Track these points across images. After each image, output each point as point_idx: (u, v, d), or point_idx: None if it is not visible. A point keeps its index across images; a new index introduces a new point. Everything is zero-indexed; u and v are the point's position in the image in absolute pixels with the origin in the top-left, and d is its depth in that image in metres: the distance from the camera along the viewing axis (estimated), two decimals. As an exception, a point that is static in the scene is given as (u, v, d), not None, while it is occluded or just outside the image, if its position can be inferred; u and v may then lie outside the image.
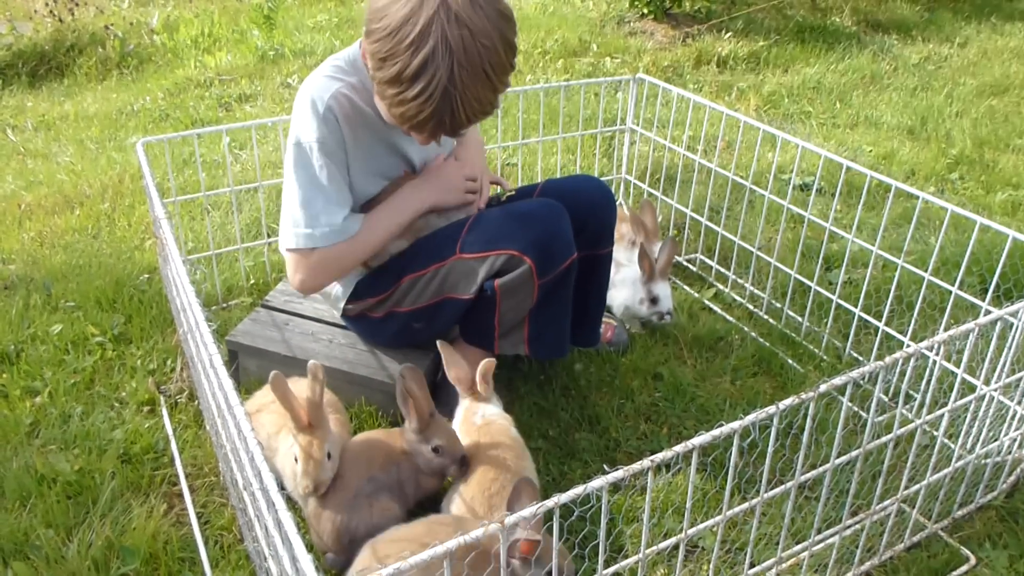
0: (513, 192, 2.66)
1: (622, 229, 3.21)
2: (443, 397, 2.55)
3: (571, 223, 2.40)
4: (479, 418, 2.28)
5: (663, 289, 2.92)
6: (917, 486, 2.05)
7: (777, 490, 1.74)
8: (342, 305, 2.52)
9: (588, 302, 2.67)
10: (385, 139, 2.34)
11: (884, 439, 1.89)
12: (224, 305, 3.10)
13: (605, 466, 2.27)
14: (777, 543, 1.89)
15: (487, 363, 2.30)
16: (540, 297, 2.32)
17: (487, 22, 1.95)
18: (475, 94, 1.98)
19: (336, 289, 2.51)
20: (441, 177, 2.44)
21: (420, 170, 2.47)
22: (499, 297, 2.30)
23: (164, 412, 2.57)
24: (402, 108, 2.01)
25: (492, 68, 1.98)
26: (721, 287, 3.31)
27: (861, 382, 2.60)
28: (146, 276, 3.26)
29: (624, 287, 2.98)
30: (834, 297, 2.85)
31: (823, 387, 1.63)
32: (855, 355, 2.85)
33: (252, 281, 3.22)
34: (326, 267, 2.32)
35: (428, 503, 2.14)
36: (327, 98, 2.19)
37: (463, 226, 2.34)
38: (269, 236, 3.22)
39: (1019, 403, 2.21)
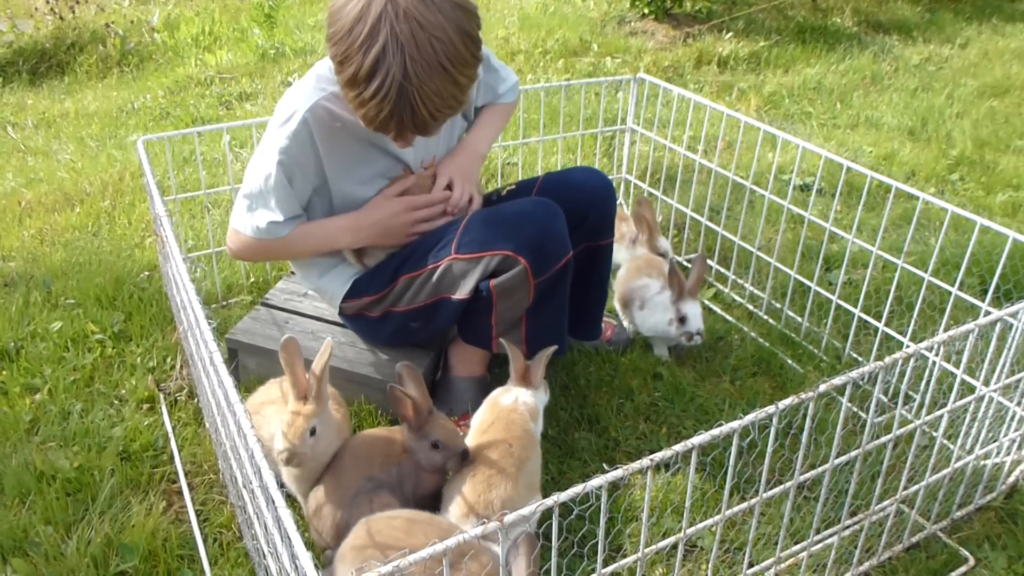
0: (514, 187, 2.65)
1: (622, 229, 3.21)
2: (443, 395, 2.55)
3: (572, 215, 2.40)
4: (510, 399, 2.29)
5: (692, 308, 2.77)
6: (916, 487, 2.05)
7: (776, 490, 1.74)
8: (339, 303, 2.52)
9: (590, 295, 2.66)
10: (373, 142, 2.34)
11: (883, 439, 1.89)
12: (224, 303, 3.10)
13: (604, 465, 2.28)
14: (776, 543, 1.89)
15: (547, 352, 2.34)
16: (537, 297, 2.32)
17: (439, 15, 1.94)
18: (433, 89, 1.98)
19: (333, 287, 2.51)
20: (381, 220, 2.39)
21: (417, 169, 2.46)
22: (495, 298, 2.30)
23: (163, 410, 2.57)
24: (363, 109, 2.03)
25: (449, 61, 1.97)
26: (721, 287, 3.31)
27: (860, 382, 2.60)
28: (146, 274, 3.26)
29: (657, 311, 2.83)
30: (834, 297, 2.85)
31: (823, 387, 1.63)
32: (855, 355, 2.85)
33: (252, 279, 3.22)
34: (251, 251, 2.42)
35: (429, 501, 2.14)
36: (303, 112, 2.20)
37: (458, 225, 2.34)
38: (269, 234, 3.22)
39: (1019, 404, 2.21)
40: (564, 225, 2.32)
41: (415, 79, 1.94)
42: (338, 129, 2.25)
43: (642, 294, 2.88)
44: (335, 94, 2.22)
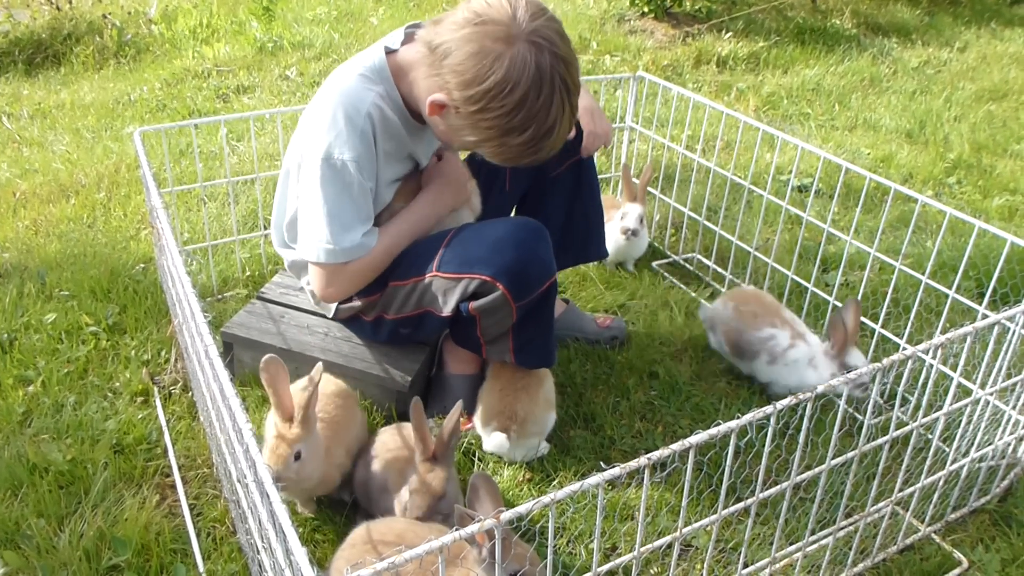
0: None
1: (611, 213, 3.19)
2: (438, 393, 2.55)
3: None
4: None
5: (858, 359, 2.51)
6: (911, 488, 2.05)
7: (772, 490, 1.74)
8: (333, 307, 2.50)
9: (588, 211, 2.63)
10: (406, 148, 2.33)
11: (879, 441, 1.89)
12: (219, 297, 3.09)
13: (601, 463, 2.28)
14: (771, 543, 1.89)
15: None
16: (521, 316, 2.30)
17: (571, 50, 2.02)
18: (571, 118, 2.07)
19: None
20: (452, 180, 2.42)
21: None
22: (477, 317, 2.30)
23: (158, 403, 2.56)
24: (533, 157, 2.07)
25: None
26: (718, 287, 3.31)
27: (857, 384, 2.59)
28: (141, 266, 3.24)
29: (799, 368, 2.58)
30: (831, 298, 2.85)
31: (820, 388, 1.63)
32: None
33: (248, 273, 3.20)
34: (353, 280, 2.34)
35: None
36: (364, 110, 2.15)
37: (443, 239, 2.31)
38: (265, 228, 3.20)
39: (1014, 407, 2.21)
40: (549, 247, 2.29)
41: (568, 111, 2.02)
42: (388, 131, 2.23)
43: (769, 348, 2.64)
44: (381, 95, 2.19)
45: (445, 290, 2.27)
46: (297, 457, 1.96)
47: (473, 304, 2.25)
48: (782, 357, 2.62)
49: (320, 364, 2.00)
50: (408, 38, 2.23)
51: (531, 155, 2.06)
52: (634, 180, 3.31)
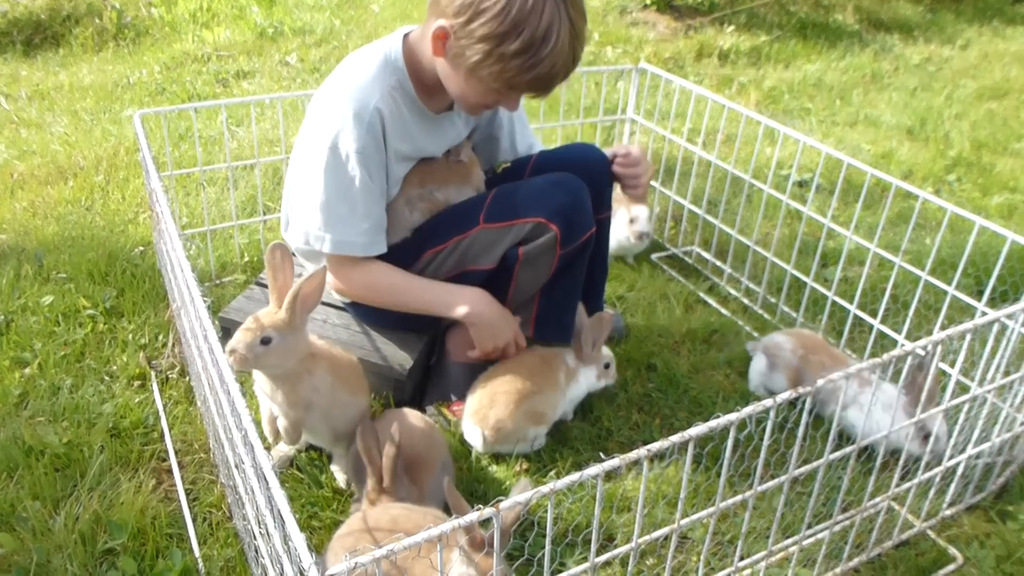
0: (508, 164, 2.64)
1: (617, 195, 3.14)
2: (438, 381, 2.54)
3: None
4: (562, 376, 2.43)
5: (940, 427, 2.27)
6: (908, 484, 2.05)
7: (770, 484, 1.74)
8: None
9: (592, 269, 2.64)
10: (417, 145, 2.32)
11: (877, 436, 1.89)
12: (218, 281, 3.08)
13: (601, 454, 2.28)
14: (767, 536, 1.89)
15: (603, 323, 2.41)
16: (556, 271, 2.34)
17: None
18: (583, 39, 2.08)
19: None
20: (497, 327, 2.37)
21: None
22: (519, 266, 2.31)
23: (155, 387, 2.56)
24: (535, 71, 2.02)
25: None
26: (717, 280, 3.31)
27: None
28: (140, 250, 3.23)
29: (877, 414, 2.33)
30: (830, 294, 2.85)
31: (820, 382, 1.63)
32: (849, 353, 2.85)
33: (246, 258, 3.19)
34: (369, 284, 2.35)
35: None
36: (373, 103, 2.14)
37: (485, 198, 2.34)
38: (265, 214, 3.20)
39: (1011, 405, 2.22)
40: (589, 200, 2.34)
41: (579, 31, 2.03)
42: (398, 125, 2.22)
43: (838, 394, 2.44)
44: (393, 87, 2.18)
45: (494, 240, 2.30)
46: (266, 342, 1.94)
47: (523, 248, 2.29)
48: (856, 402, 2.42)
49: (325, 266, 2.11)
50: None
51: (532, 70, 2.01)
52: None
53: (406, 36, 2.23)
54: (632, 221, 3.20)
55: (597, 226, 2.59)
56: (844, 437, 2.45)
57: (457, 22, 1.98)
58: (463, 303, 2.30)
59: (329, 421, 2.15)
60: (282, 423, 2.13)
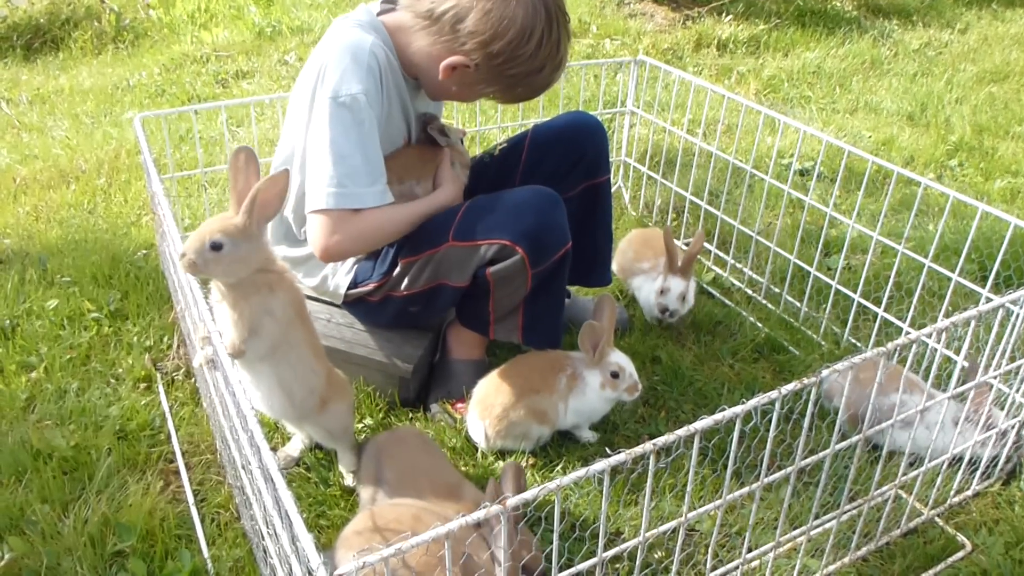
0: (505, 144, 2.65)
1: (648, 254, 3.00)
2: (441, 379, 2.55)
3: (567, 156, 2.51)
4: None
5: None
6: (915, 472, 2.05)
7: (777, 475, 1.74)
8: (343, 292, 2.49)
9: (596, 237, 2.63)
10: (404, 101, 2.34)
11: (883, 425, 1.89)
12: (221, 283, 3.08)
13: (607, 448, 2.28)
14: (775, 527, 1.89)
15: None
16: (535, 285, 2.31)
17: None
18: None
19: (334, 282, 2.48)
20: (458, 185, 2.44)
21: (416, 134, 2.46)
22: (492, 286, 2.29)
23: (160, 389, 2.56)
24: (541, 91, 2.29)
25: None
26: (720, 271, 3.30)
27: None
28: (143, 252, 3.24)
29: (942, 430, 2.17)
30: (833, 282, 2.84)
31: (825, 372, 1.63)
32: (853, 341, 2.85)
33: (249, 259, 3.19)
34: (361, 233, 2.21)
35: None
36: (368, 47, 2.14)
37: (457, 212, 2.31)
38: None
39: (1018, 391, 2.21)
40: (564, 215, 2.30)
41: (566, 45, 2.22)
42: (391, 73, 2.24)
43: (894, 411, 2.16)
44: (383, 44, 2.20)
45: (463, 258, 2.27)
46: (216, 247, 1.79)
47: (491, 269, 2.26)
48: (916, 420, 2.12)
49: (287, 170, 1.89)
50: (385, 12, 2.28)
51: (544, 88, 2.27)
52: (682, 247, 3.16)
53: (379, 15, 2.26)
54: (662, 292, 2.82)
55: (598, 191, 2.62)
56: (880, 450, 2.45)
57: (485, 63, 2.14)
58: (445, 198, 2.36)
59: (278, 370, 1.96)
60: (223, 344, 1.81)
